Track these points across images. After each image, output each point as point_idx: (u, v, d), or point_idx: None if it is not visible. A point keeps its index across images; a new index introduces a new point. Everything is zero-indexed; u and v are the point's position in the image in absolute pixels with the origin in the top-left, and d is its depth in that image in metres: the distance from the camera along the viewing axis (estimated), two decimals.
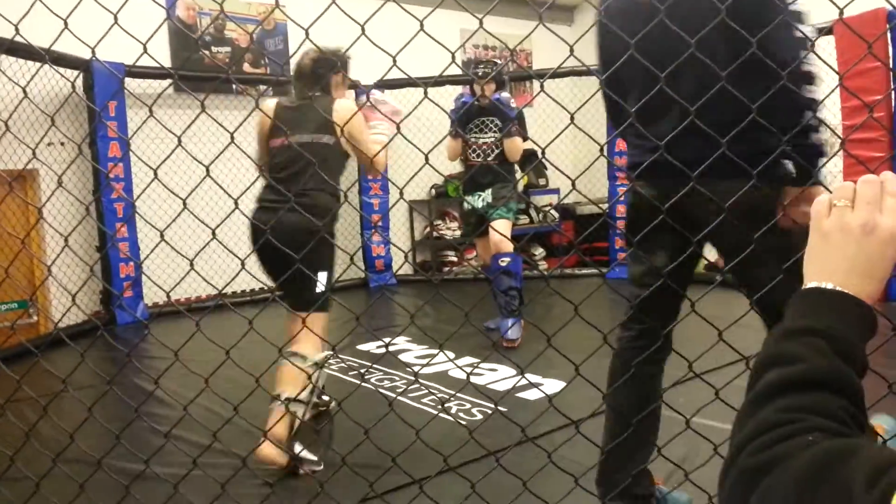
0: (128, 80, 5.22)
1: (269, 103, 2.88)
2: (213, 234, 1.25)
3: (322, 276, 2.58)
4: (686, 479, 1.48)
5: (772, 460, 0.55)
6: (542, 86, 1.10)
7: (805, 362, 0.61)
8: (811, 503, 0.50)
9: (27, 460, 1.71)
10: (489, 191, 4.22)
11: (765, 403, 0.60)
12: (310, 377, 2.17)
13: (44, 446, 1.67)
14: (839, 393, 0.60)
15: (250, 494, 2.01)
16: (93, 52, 1.41)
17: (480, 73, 4.18)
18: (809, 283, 0.68)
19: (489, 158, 4.21)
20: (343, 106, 2.75)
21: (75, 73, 5.02)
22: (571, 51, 1.09)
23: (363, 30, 1.16)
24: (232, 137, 1.19)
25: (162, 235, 1.22)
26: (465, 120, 4.24)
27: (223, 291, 5.95)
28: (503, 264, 4.02)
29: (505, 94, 4.29)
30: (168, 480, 1.65)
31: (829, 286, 0.66)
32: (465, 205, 4.48)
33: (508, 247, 3.99)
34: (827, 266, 0.68)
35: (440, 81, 6.82)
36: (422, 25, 1.15)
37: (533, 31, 1.21)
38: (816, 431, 0.55)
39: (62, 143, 5.31)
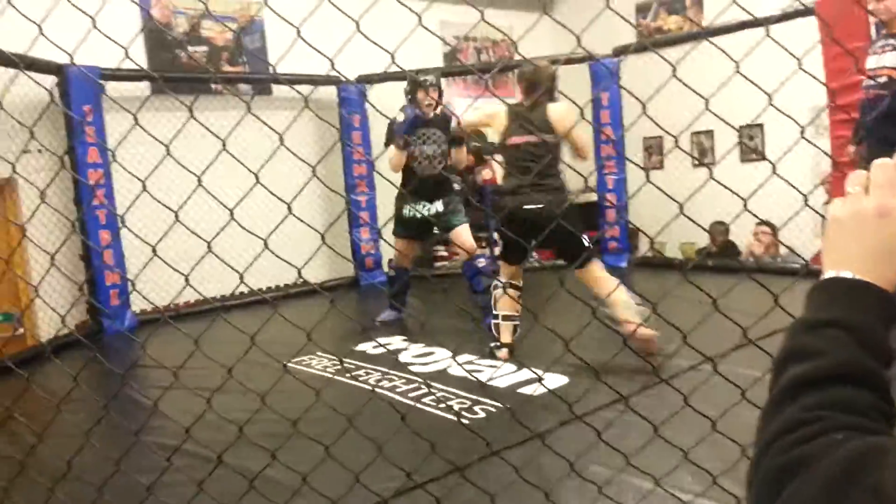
0: (103, 83, 5.11)
1: (500, 108, 3.64)
2: (209, 247, 1.20)
3: (584, 238, 3.37)
4: (743, 455, 1.44)
5: (798, 461, 0.53)
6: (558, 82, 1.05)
7: (826, 356, 0.59)
8: None
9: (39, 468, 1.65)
10: (439, 202, 4.38)
11: (788, 401, 0.58)
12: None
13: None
14: (864, 386, 0.57)
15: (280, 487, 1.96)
16: (71, 58, 1.35)
17: (428, 82, 4.26)
18: (827, 272, 0.66)
19: (436, 169, 4.35)
20: (565, 109, 3.51)
21: (50, 78, 4.91)
22: (578, 41, 1.04)
23: (358, 26, 1.11)
24: (224, 144, 1.14)
25: (154, 251, 1.17)
26: (409, 131, 4.28)
27: (215, 296, 5.85)
28: (481, 265, 4.31)
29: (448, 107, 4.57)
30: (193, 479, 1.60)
31: (847, 275, 0.64)
32: (406, 210, 4.47)
33: (476, 250, 4.37)
34: (843, 254, 0.65)
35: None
36: (420, 19, 1.10)
37: (538, 22, 1.16)
38: (844, 430, 0.53)
39: (39, 151, 5.19)
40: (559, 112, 3.49)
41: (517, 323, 3.68)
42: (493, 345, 3.69)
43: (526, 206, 3.37)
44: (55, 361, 3.74)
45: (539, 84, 3.56)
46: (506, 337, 3.64)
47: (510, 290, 3.55)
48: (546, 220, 3.14)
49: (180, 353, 1.57)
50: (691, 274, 1.51)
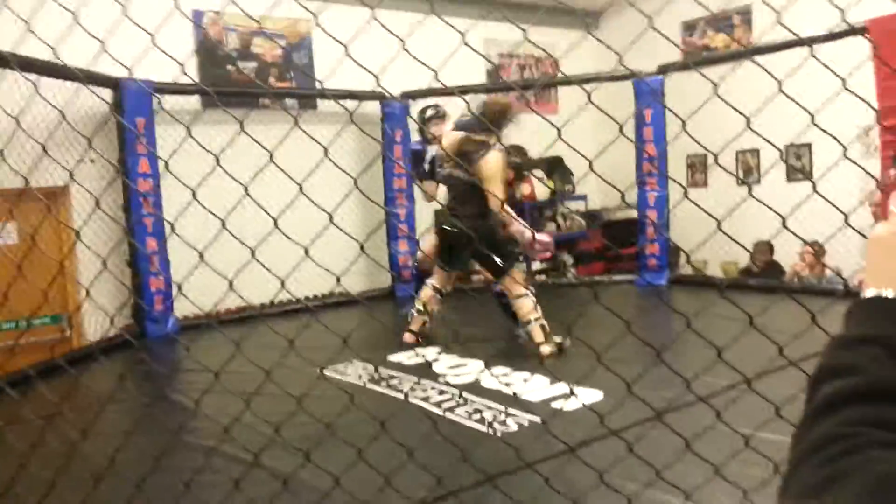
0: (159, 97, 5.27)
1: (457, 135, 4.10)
2: (253, 254, 1.25)
3: (497, 258, 4.03)
4: (776, 471, 1.43)
5: (834, 476, 0.53)
6: (589, 97, 1.08)
7: (863, 373, 0.59)
8: None
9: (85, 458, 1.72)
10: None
11: (824, 416, 0.58)
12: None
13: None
14: None
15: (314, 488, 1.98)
16: (130, 72, 1.41)
17: (428, 116, 4.65)
18: (868, 290, 0.66)
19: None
20: (492, 159, 4.06)
21: (106, 91, 5.10)
22: (620, 59, 1.06)
23: (404, 44, 1.15)
24: (271, 156, 1.19)
25: (202, 257, 1.22)
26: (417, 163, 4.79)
27: (255, 303, 5.96)
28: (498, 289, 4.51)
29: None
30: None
31: (889, 293, 0.64)
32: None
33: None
34: (884, 273, 0.66)
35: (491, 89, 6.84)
36: (463, 37, 1.13)
37: (581, 40, 1.18)
38: (878, 447, 0.53)
39: (92, 161, 5.38)
40: (485, 159, 4.02)
41: (426, 319, 4.42)
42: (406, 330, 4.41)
43: (446, 228, 4.11)
44: (102, 363, 3.87)
45: (492, 120, 4.02)
46: (413, 326, 4.42)
47: (433, 292, 4.35)
48: (463, 240, 3.86)
49: (220, 357, 1.62)
50: (732, 293, 1.50)
